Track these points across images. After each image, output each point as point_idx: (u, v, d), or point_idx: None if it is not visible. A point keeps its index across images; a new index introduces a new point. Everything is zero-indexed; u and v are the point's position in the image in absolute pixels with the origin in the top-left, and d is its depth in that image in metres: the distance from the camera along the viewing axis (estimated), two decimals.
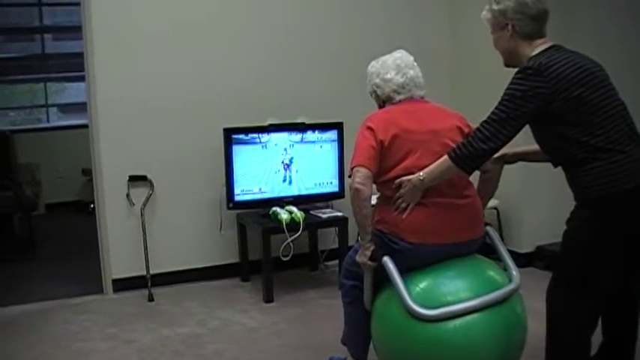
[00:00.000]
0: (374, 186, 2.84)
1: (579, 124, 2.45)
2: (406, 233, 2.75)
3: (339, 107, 4.92)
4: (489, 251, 2.97)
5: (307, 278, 4.93)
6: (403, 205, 2.75)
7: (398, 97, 2.94)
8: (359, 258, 2.85)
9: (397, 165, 2.79)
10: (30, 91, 8.79)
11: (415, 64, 2.99)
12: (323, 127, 4.75)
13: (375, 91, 3.02)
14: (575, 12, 4.70)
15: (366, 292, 2.94)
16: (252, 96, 4.84)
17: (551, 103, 2.45)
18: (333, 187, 4.81)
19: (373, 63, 3.05)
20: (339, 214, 4.66)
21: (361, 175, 2.74)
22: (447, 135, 2.82)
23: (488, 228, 2.97)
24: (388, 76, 2.94)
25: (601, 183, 2.43)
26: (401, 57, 2.99)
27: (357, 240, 2.91)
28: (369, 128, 2.83)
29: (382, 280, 2.86)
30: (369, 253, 2.80)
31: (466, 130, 2.87)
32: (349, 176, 2.80)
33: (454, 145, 2.68)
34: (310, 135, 4.71)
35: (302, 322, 4.05)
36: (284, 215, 4.41)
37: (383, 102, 3.01)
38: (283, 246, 4.39)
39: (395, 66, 2.95)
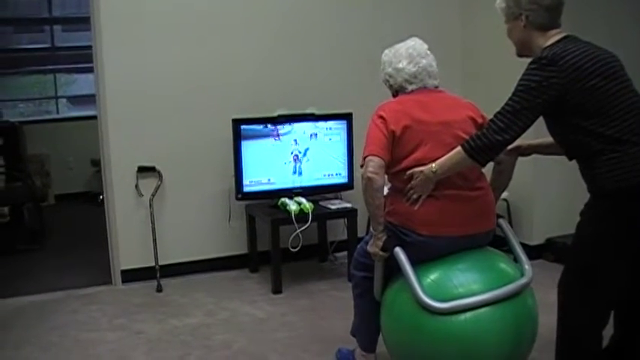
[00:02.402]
0: (386, 176, 2.81)
1: (594, 115, 2.42)
2: (418, 225, 2.73)
3: (349, 98, 4.89)
4: (501, 244, 2.94)
5: (316, 269, 4.91)
6: (415, 196, 2.73)
7: (410, 87, 2.91)
8: (370, 248, 2.83)
9: (408, 156, 2.76)
10: (39, 82, 8.82)
11: (429, 52, 2.95)
12: (332, 118, 4.72)
13: (387, 81, 2.98)
14: (589, 2, 4.65)
15: (377, 282, 2.93)
16: (261, 86, 4.83)
17: (565, 94, 2.42)
18: (343, 179, 4.79)
19: (386, 51, 3.01)
20: (348, 205, 4.65)
21: (374, 164, 2.70)
22: (460, 126, 2.79)
23: (500, 221, 2.95)
24: (400, 65, 2.90)
25: (616, 175, 2.40)
26: (414, 45, 2.95)
27: (367, 231, 2.90)
28: (381, 117, 2.80)
29: (393, 271, 2.85)
30: (380, 243, 2.78)
31: (479, 120, 2.84)
32: (361, 166, 2.77)
33: (466, 137, 2.65)
34: (319, 125, 4.69)
35: (310, 314, 4.04)
36: (293, 206, 4.40)
37: (396, 91, 2.98)
38: (292, 237, 4.38)
39: (407, 55, 2.91)
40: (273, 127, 4.57)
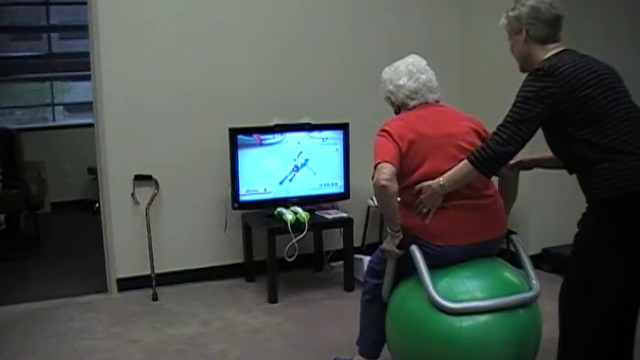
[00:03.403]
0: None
1: (588, 124, 2.46)
2: (431, 238, 2.78)
3: (345, 108, 4.91)
4: (506, 256, 3.00)
5: (312, 279, 4.91)
6: (424, 210, 2.77)
7: (412, 103, 2.96)
8: (386, 245, 2.86)
9: (416, 170, 2.80)
10: (37, 89, 8.80)
11: (428, 67, 3.00)
12: (329, 128, 4.74)
13: (389, 98, 3.03)
14: (587, 16, 4.68)
15: (387, 281, 2.96)
16: (257, 96, 4.84)
17: (561, 103, 2.47)
18: (339, 188, 4.80)
19: (386, 69, 3.06)
20: (344, 215, 4.66)
21: (387, 170, 2.70)
22: (463, 138, 2.83)
23: (513, 237, 3.01)
24: (401, 82, 2.96)
25: (611, 184, 2.42)
26: (413, 62, 3.01)
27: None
28: (387, 131, 2.84)
29: (403, 274, 2.89)
30: (397, 241, 2.80)
31: (482, 133, 2.90)
32: (372, 177, 2.76)
33: (470, 148, 2.71)
34: (316, 135, 4.70)
35: (306, 323, 4.04)
36: (289, 216, 4.40)
37: (398, 108, 3.03)
38: (288, 246, 4.38)
39: (407, 71, 2.97)
40: (269, 137, 4.57)
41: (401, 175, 2.79)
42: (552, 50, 2.61)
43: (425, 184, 2.75)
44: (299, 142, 4.65)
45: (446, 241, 2.77)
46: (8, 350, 3.71)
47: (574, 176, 2.62)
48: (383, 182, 2.69)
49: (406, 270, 2.87)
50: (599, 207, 2.49)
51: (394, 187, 2.71)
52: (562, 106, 2.47)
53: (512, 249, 3.03)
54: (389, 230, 2.87)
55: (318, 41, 5.01)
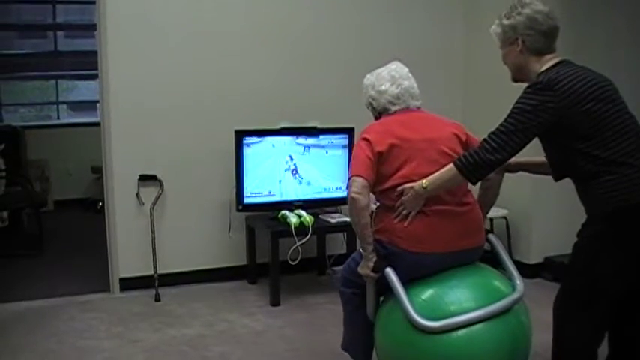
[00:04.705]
0: (373, 196, 2.84)
1: (590, 137, 2.45)
2: (406, 242, 2.75)
3: (351, 112, 4.87)
4: (494, 261, 2.96)
5: (314, 283, 4.92)
6: (404, 212, 2.76)
7: (393, 108, 2.96)
8: (361, 269, 2.85)
9: (395, 173, 2.80)
10: (41, 87, 8.84)
11: (410, 75, 3.01)
12: (334, 132, 4.75)
13: (371, 103, 3.03)
14: (586, 27, 4.68)
15: (369, 303, 2.94)
16: (264, 98, 4.85)
17: (561, 117, 2.45)
18: (343, 193, 4.79)
19: (368, 76, 3.07)
20: (348, 219, 4.64)
21: (358, 184, 2.74)
22: (445, 143, 2.83)
23: (490, 236, 2.98)
24: (383, 87, 2.96)
25: (612, 197, 2.42)
26: (395, 68, 3.02)
27: (359, 249, 2.90)
28: (366, 140, 2.84)
29: (385, 290, 2.87)
30: (371, 264, 2.79)
31: (463, 138, 2.89)
32: (347, 187, 2.80)
33: (451, 153, 2.72)
34: (321, 139, 4.71)
35: (308, 327, 4.05)
36: (293, 219, 4.41)
37: (379, 113, 3.03)
38: (291, 250, 4.39)
39: (390, 77, 2.97)
40: (275, 139, 4.58)
41: (381, 177, 2.80)
42: (549, 62, 2.58)
43: (407, 186, 2.74)
44: (304, 146, 4.66)
45: (420, 246, 2.73)
46: (9, 348, 3.72)
47: None
48: (353, 195, 2.73)
49: (386, 289, 2.84)
50: (600, 218, 2.49)
51: (365, 200, 2.73)
52: (561, 121, 2.45)
53: (489, 248, 2.99)
54: (362, 252, 2.84)
55: (325, 46, 5.02)
